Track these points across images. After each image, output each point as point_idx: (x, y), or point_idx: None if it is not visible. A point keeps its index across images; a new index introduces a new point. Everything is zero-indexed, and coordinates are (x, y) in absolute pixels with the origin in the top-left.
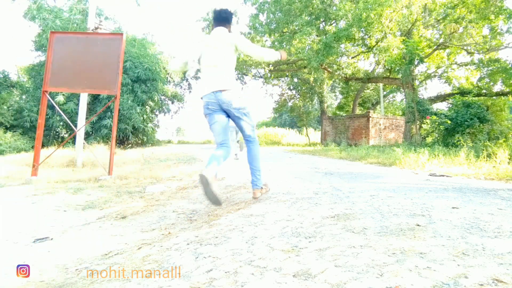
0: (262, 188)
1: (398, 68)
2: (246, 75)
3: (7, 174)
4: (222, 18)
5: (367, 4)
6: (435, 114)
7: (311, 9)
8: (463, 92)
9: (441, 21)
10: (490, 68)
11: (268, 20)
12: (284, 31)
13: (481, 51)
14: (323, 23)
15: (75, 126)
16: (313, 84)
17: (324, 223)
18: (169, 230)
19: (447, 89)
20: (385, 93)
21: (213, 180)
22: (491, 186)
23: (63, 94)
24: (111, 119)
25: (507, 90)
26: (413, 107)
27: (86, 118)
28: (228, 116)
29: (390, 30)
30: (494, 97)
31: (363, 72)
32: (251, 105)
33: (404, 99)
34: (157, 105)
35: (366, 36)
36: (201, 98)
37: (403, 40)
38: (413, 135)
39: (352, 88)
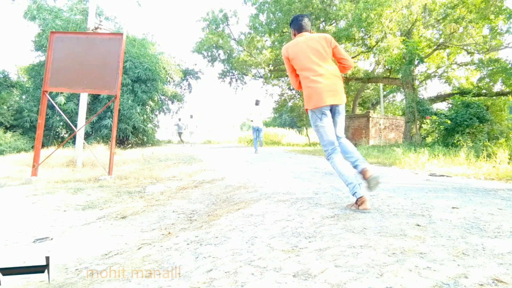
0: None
1: (398, 68)
2: (246, 75)
3: (7, 174)
4: None
5: (367, 4)
6: (435, 114)
7: (311, 9)
8: (463, 92)
9: (441, 21)
10: (490, 68)
11: (268, 20)
12: (284, 31)
13: (481, 51)
14: (323, 23)
15: (75, 126)
16: None
17: (324, 223)
18: (169, 230)
19: (447, 89)
20: (385, 93)
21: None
22: (491, 186)
23: (63, 94)
24: (111, 119)
25: (507, 90)
26: (413, 107)
27: (86, 118)
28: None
29: (390, 30)
30: (494, 97)
31: (363, 72)
32: (249, 105)
33: (404, 99)
34: (157, 105)
35: (366, 36)
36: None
37: (403, 40)
38: (413, 135)
39: (352, 88)
